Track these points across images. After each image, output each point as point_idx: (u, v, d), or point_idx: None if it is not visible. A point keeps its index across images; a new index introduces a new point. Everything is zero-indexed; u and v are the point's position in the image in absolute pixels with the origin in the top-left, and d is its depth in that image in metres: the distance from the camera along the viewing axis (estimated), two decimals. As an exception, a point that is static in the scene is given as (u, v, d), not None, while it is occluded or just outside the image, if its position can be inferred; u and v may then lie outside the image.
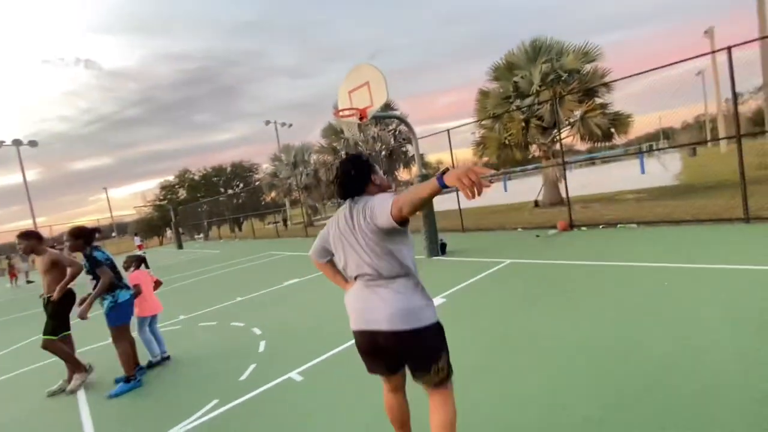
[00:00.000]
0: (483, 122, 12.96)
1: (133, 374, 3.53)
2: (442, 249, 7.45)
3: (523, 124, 11.62)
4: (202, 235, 30.82)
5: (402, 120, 7.71)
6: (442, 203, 9.51)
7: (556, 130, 11.11)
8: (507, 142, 12.20)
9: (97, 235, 3.59)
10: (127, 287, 3.67)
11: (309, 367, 3.38)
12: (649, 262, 4.79)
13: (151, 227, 40.32)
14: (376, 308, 1.62)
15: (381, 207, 1.52)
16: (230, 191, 43.25)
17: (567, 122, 11.51)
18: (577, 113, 11.09)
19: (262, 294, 6.73)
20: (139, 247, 20.80)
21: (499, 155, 12.94)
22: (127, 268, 4.10)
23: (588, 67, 11.44)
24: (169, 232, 30.86)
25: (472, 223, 10.53)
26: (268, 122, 35.44)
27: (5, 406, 3.73)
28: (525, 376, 2.65)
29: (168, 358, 4.13)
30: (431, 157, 20.71)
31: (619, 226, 7.33)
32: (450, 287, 5.13)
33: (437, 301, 4.67)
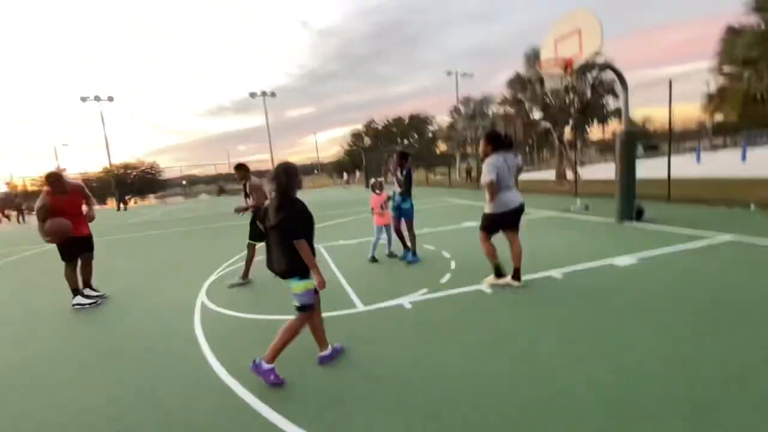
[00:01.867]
0: (727, 69, 10.21)
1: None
2: (638, 215, 6.83)
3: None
4: (382, 179, 34.99)
5: (612, 68, 7.00)
6: (643, 171, 8.40)
7: None
8: (761, 96, 9.39)
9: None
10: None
11: (497, 286, 4.09)
12: None
13: (343, 168, 47.89)
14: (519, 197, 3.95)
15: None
16: (405, 141, 46.60)
17: None
18: None
19: (445, 230, 7.76)
20: (347, 181, 26.30)
21: (743, 113, 10.11)
22: (373, 191, 5.57)
23: None
24: (358, 174, 36.25)
25: (685, 194, 8.93)
26: (449, 73, 35.59)
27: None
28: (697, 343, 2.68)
29: (396, 255, 5.65)
30: (637, 113, 17.53)
31: None
32: (642, 250, 4.92)
33: (626, 259, 4.63)
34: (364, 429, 2.06)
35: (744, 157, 20.20)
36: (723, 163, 18.04)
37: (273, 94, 34.58)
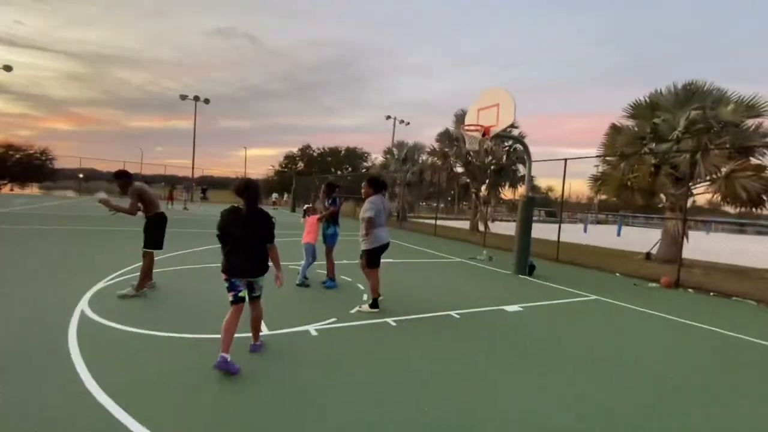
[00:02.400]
0: (608, 158, 12.46)
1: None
2: (530, 270, 7.79)
3: (653, 169, 10.94)
4: (310, 205, 34.63)
5: (520, 142, 8.18)
6: (541, 232, 9.68)
7: (691, 183, 10.25)
8: (630, 184, 11.58)
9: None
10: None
11: (403, 320, 4.33)
12: (750, 336, 4.63)
13: (271, 188, 46.43)
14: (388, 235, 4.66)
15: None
16: (339, 173, 47.20)
17: (707, 177, 10.50)
18: (723, 170, 10.05)
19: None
20: (274, 203, 25.42)
21: (618, 195, 12.31)
22: (305, 215, 6.00)
23: (750, 122, 10.23)
24: (285, 196, 35.42)
25: (569, 256, 10.42)
26: (388, 117, 37.62)
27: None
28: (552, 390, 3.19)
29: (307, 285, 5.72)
30: (542, 182, 20.22)
31: (734, 298, 6.78)
32: (528, 301, 5.62)
33: (514, 307, 5.24)
34: (246, 452, 2.03)
35: (619, 233, 24.30)
36: (603, 235, 21.38)
37: (206, 101, 32.96)
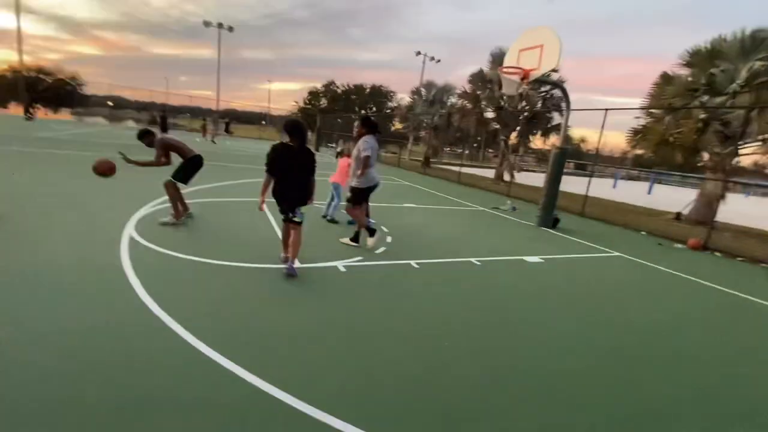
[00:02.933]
0: (653, 111, 11.63)
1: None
2: (554, 223, 7.76)
3: (701, 125, 10.20)
4: (334, 145, 34.34)
5: (561, 88, 7.67)
6: (568, 185, 9.44)
7: (740, 143, 9.58)
8: (672, 139, 10.91)
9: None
10: None
11: (425, 263, 4.52)
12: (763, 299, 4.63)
13: (286, 125, 45.90)
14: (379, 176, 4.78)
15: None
16: (363, 111, 45.96)
17: (760, 138, 9.75)
18: (781, 130, 9.28)
19: (388, 207, 8.10)
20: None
21: (657, 151, 11.68)
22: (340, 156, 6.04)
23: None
24: (309, 134, 35.16)
25: (595, 212, 10.23)
26: (418, 53, 35.38)
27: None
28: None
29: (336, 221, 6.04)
30: (575, 132, 19.27)
31: (763, 265, 6.65)
32: (549, 254, 5.69)
33: (535, 258, 5.34)
34: (312, 365, 2.31)
35: (650, 191, 23.39)
36: (633, 192, 20.65)
37: (230, 29, 31.71)
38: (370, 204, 6.41)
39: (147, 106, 39.95)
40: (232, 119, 38.11)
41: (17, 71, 28.81)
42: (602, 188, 17.74)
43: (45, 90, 33.77)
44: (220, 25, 31.28)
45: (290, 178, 3.57)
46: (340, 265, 4.14)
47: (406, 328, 2.97)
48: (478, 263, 4.82)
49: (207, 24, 31.14)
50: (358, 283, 3.77)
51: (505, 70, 7.08)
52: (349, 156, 5.87)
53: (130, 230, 4.46)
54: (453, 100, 24.60)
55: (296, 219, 3.64)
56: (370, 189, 4.82)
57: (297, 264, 3.96)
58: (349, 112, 40.64)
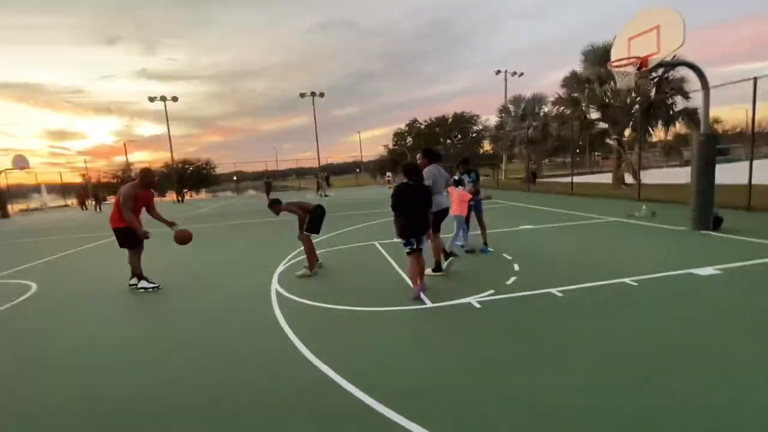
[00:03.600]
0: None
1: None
2: (716, 224, 6.37)
3: None
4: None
5: (693, 67, 6.53)
6: (723, 177, 7.78)
7: None
8: None
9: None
10: None
11: (569, 290, 4.02)
12: None
13: (382, 168, 48.11)
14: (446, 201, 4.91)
15: None
16: (448, 141, 46.09)
17: None
18: None
19: (502, 231, 7.66)
20: (388, 181, 27.16)
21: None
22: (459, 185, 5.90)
23: None
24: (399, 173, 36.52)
25: (766, 202, 8.18)
26: (498, 72, 34.78)
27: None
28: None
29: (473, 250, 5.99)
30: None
31: None
32: (724, 262, 4.61)
33: (707, 270, 4.36)
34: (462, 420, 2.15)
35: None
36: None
37: (321, 95, 35.55)
38: (486, 230, 6.17)
39: (261, 176, 46.30)
40: (331, 173, 41.66)
41: (169, 166, 36.34)
42: (763, 174, 14.29)
43: (189, 177, 41.65)
44: (312, 94, 35.35)
45: (414, 212, 4.09)
46: (473, 301, 3.92)
47: (585, 376, 2.58)
48: (634, 283, 4.11)
49: (302, 95, 35.47)
50: (500, 320, 3.49)
51: (615, 64, 6.36)
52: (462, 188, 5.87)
53: (275, 285, 4.94)
54: (547, 109, 23.15)
55: (420, 247, 4.15)
56: (439, 213, 4.84)
57: (428, 303, 3.89)
58: (435, 144, 41.19)
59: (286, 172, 47.99)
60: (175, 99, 32.63)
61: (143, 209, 5.26)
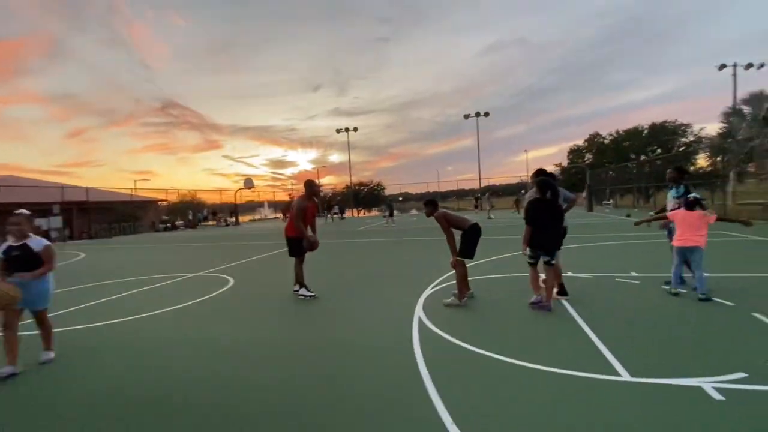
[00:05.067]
0: None
1: None
2: None
3: None
4: (611, 201, 29.51)
5: None
6: None
7: None
8: None
9: None
10: None
11: None
12: None
13: (555, 188, 43.02)
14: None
15: None
16: (642, 157, 37.92)
17: None
18: None
19: (748, 277, 5.30)
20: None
21: None
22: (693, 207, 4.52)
23: None
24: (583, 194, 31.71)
25: None
26: (723, 66, 26.97)
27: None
28: None
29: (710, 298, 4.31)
30: None
31: None
32: None
33: None
34: None
35: None
36: None
37: (486, 114, 34.80)
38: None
39: (424, 196, 48.28)
40: (492, 194, 39.92)
41: (349, 188, 41.74)
42: None
43: (363, 197, 46.94)
44: (477, 114, 34.95)
45: (548, 227, 4.23)
46: (707, 385, 2.51)
47: None
48: None
49: (467, 116, 35.49)
50: (761, 426, 2.07)
51: None
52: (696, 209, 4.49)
53: (419, 311, 4.48)
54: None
55: (553, 261, 4.32)
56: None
57: (624, 375, 2.70)
58: (623, 160, 34.63)
59: (446, 194, 48.70)
60: (355, 129, 37.51)
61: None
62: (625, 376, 2.68)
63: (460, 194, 46.45)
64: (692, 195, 4.56)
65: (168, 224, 27.61)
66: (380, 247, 11.46)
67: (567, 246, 6.20)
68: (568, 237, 4.70)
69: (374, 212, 48.27)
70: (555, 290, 4.50)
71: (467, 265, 4.83)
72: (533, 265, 4.39)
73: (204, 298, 5.72)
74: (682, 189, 4.97)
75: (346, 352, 3.45)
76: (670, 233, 4.85)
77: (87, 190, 24.08)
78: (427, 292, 5.40)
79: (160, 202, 33.88)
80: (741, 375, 2.61)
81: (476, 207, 25.70)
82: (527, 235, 4.24)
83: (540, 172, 4.76)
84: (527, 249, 4.30)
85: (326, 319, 4.52)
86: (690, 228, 4.36)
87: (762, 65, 26.37)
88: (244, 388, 2.83)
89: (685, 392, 2.46)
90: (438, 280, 6.07)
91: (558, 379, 2.72)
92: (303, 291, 5.39)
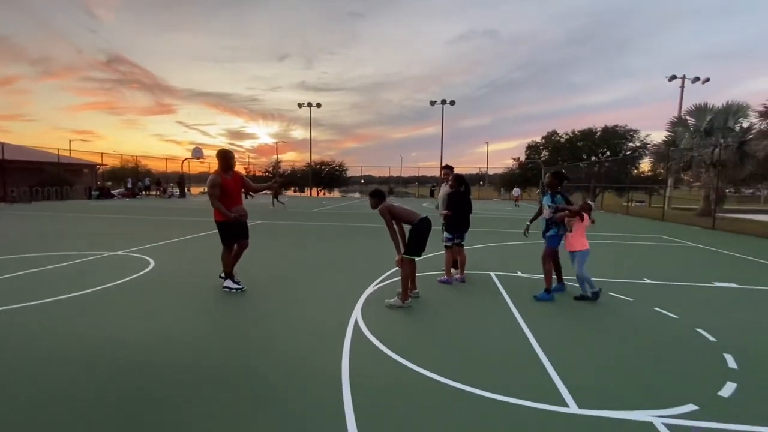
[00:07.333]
0: None
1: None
2: None
3: None
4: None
5: None
6: None
7: None
8: None
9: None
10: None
11: None
12: None
13: (511, 183, 44.25)
14: None
15: None
16: (593, 158, 39.83)
17: None
18: None
19: (687, 287, 5.32)
20: (516, 198, 24.64)
21: None
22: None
23: None
24: (536, 191, 32.61)
25: None
26: (673, 77, 28.59)
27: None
28: None
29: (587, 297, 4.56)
30: None
31: None
32: None
33: None
34: None
35: None
36: None
37: (452, 102, 34.66)
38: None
39: (386, 180, 47.88)
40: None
41: (309, 165, 40.26)
42: None
43: (324, 177, 45.61)
44: (443, 102, 34.71)
45: (464, 213, 5.24)
46: (656, 420, 2.25)
47: None
48: None
49: (432, 103, 35.16)
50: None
51: None
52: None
53: (357, 313, 4.01)
54: (748, 123, 17.49)
55: (463, 243, 5.34)
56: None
57: (572, 407, 2.39)
58: (576, 160, 36.09)
59: (408, 179, 48.62)
60: (318, 105, 35.98)
61: (243, 195, 4.97)
62: (574, 408, 2.37)
63: (422, 181, 46.54)
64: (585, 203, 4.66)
65: (99, 192, 24.99)
66: (332, 232, 10.85)
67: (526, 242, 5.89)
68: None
69: (335, 193, 47.16)
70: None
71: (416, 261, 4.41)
72: (449, 248, 5.28)
73: (108, 285, 4.85)
74: (559, 199, 4.63)
75: (259, 364, 2.88)
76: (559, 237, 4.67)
77: (2, 146, 21.02)
78: (371, 288, 4.94)
79: (98, 167, 30.79)
80: (691, 408, 2.38)
81: (432, 196, 25.70)
82: (446, 221, 5.29)
83: (450, 167, 5.59)
84: (444, 233, 5.33)
85: (248, 318, 3.91)
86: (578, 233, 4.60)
87: (707, 80, 28.19)
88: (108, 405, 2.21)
89: (634, 427, 2.19)
90: (387, 273, 5.64)
91: (502, 407, 2.36)
92: (228, 283, 4.72)
